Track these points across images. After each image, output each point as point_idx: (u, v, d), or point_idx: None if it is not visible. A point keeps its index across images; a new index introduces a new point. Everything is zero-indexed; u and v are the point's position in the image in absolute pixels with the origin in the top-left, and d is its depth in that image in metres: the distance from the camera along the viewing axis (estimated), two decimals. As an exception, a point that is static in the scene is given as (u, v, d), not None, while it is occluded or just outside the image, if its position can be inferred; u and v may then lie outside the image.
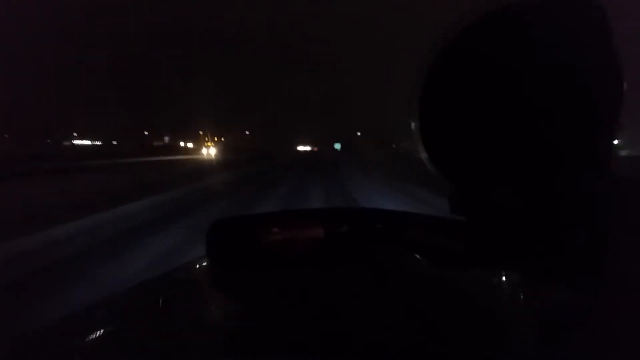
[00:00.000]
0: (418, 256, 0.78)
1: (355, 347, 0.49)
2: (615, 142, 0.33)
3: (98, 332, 0.59)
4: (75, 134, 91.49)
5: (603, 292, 0.29)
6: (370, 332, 0.53)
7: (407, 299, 0.59)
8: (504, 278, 0.70)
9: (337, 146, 76.73)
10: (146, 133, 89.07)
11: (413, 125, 0.39)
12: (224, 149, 49.22)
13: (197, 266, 0.93)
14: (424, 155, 0.38)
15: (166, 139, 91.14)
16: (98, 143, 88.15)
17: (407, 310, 0.56)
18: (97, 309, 0.68)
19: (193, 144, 67.85)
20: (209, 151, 44.77)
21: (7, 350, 0.52)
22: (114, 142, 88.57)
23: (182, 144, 70.17)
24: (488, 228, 0.36)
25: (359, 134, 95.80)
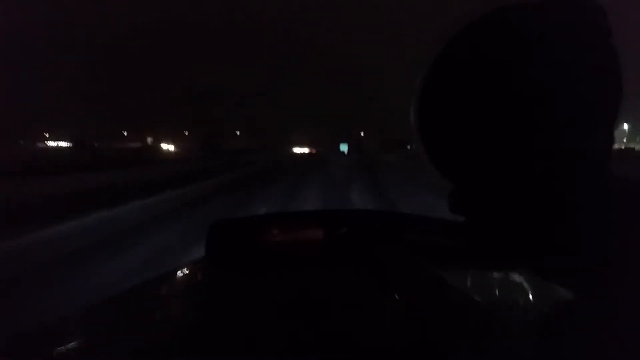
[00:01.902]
0: (418, 256, 0.77)
1: (356, 347, 0.49)
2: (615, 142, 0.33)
3: (98, 332, 0.59)
4: (47, 135, 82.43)
5: (603, 292, 0.29)
6: (371, 332, 0.53)
7: (407, 299, 0.59)
8: (504, 278, 0.70)
9: (344, 147, 63.96)
10: (125, 133, 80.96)
11: (413, 123, 0.39)
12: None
13: (197, 267, 0.92)
14: (424, 153, 0.39)
15: (149, 139, 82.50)
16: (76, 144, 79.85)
17: (407, 310, 0.57)
18: (97, 309, 0.68)
19: (175, 146, 59.08)
20: None
21: (5, 349, 0.52)
22: (95, 144, 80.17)
23: (164, 145, 60.92)
24: (488, 228, 0.36)
25: (362, 133, 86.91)
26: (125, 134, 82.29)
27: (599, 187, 0.31)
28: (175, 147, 58.77)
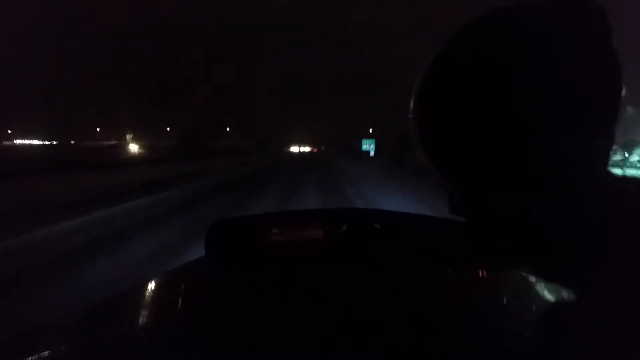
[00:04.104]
0: (418, 256, 0.77)
1: (356, 346, 0.49)
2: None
3: (98, 332, 0.59)
4: (10, 132, 72.36)
5: (603, 292, 0.29)
6: (370, 331, 0.53)
7: (407, 299, 0.60)
8: (504, 278, 0.71)
9: (368, 146, 41.15)
10: (98, 130, 71.55)
11: (412, 123, 0.39)
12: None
13: (197, 266, 0.90)
14: (423, 154, 0.38)
15: (128, 137, 73.32)
16: (53, 143, 70.27)
17: (406, 309, 0.57)
18: (97, 309, 0.68)
19: (139, 145, 49.50)
20: None
21: (7, 348, 0.53)
22: (72, 142, 70.65)
23: (131, 145, 50.70)
24: (488, 228, 0.36)
25: (371, 130, 76.68)
26: (99, 130, 72.90)
27: (599, 187, 0.31)
28: (140, 146, 49.15)
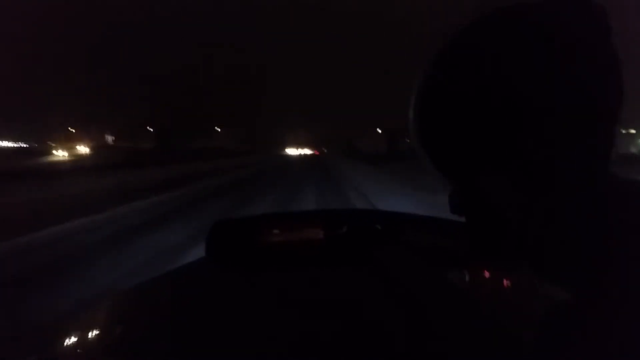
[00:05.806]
0: (418, 257, 0.78)
1: (356, 347, 0.49)
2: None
3: (100, 331, 0.59)
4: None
5: (602, 291, 0.29)
6: (372, 332, 0.53)
7: (407, 299, 0.60)
8: (504, 278, 0.71)
9: None
10: (73, 130, 64.61)
11: (412, 121, 0.39)
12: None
13: (197, 267, 0.91)
14: (423, 154, 0.38)
15: (109, 138, 66.17)
16: (24, 145, 62.46)
17: (407, 310, 0.57)
18: (99, 308, 0.68)
19: (90, 148, 42.37)
20: None
21: (9, 347, 0.53)
22: (52, 144, 62.97)
23: (58, 152, 40.20)
24: (488, 228, 0.36)
25: (379, 130, 69.38)
26: (73, 131, 66.18)
27: (599, 187, 0.31)
28: (90, 148, 41.59)
